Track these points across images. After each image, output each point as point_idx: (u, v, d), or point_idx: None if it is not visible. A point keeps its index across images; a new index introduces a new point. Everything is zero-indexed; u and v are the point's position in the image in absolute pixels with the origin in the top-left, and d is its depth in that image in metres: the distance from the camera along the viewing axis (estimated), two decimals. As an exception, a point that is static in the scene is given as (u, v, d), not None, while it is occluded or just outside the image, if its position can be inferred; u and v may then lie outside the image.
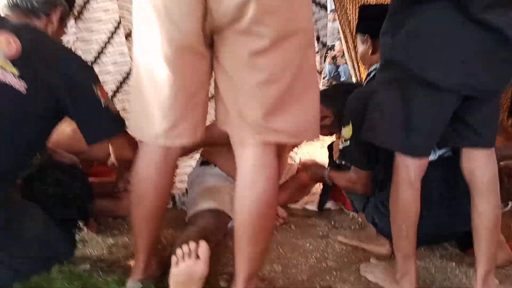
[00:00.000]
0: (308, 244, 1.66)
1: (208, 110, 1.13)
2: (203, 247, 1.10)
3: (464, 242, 1.63)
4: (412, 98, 1.20)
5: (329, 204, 2.11)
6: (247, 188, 1.04)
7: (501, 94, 1.35)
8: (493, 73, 1.19)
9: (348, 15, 2.06)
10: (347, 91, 1.78)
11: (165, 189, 1.15)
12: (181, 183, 2.03)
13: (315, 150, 2.92)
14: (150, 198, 1.13)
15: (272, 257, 1.54)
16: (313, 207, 2.07)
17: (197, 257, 1.10)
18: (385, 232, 1.52)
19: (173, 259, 1.10)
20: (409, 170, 1.26)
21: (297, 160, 2.22)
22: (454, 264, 1.55)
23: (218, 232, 1.52)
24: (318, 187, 2.33)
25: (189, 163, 2.00)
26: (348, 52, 2.35)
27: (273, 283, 1.35)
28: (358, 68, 2.40)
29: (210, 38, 1.00)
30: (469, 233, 1.48)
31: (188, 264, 1.08)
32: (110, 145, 1.35)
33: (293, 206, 2.07)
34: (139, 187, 1.13)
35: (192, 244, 1.10)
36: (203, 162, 1.83)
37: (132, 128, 1.15)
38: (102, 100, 1.24)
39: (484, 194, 1.28)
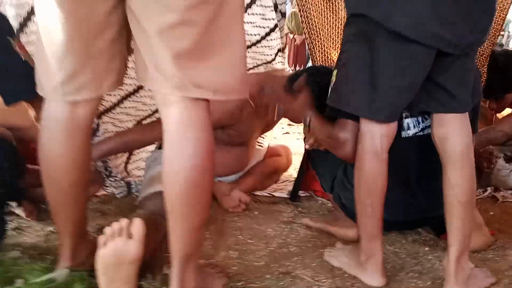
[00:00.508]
0: (270, 230, 1.53)
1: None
2: (137, 225, 0.94)
3: (440, 227, 1.51)
4: (379, 52, 1.08)
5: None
6: (174, 152, 0.89)
7: (477, 48, 1.23)
8: (470, 23, 1.07)
9: None
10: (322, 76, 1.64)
11: (78, 160, 0.98)
12: (137, 169, 1.88)
13: (290, 140, 2.81)
14: (60, 173, 0.96)
15: (229, 243, 1.41)
16: (281, 194, 1.94)
17: (130, 236, 0.95)
18: (353, 214, 1.40)
19: (101, 238, 0.94)
20: (375, 139, 1.14)
21: (265, 146, 2.08)
22: (427, 249, 1.45)
23: None
24: (289, 176, 2.21)
25: (147, 148, 1.85)
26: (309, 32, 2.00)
27: (226, 269, 1.22)
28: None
29: None
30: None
31: (118, 243, 0.92)
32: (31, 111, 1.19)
33: (259, 193, 1.93)
34: (45, 160, 0.97)
35: (124, 221, 0.95)
36: (161, 146, 1.69)
37: (37, 86, 0.97)
38: (22, 54, 1.08)
39: (458, 164, 1.15)
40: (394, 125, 1.16)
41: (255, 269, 1.24)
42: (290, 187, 2.04)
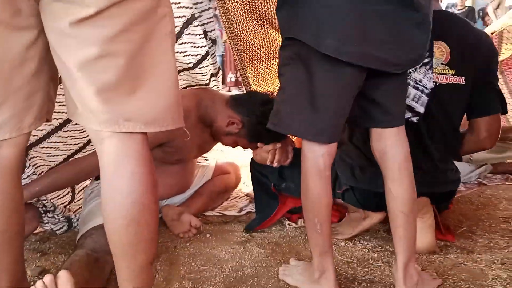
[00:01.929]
0: (224, 253, 1.50)
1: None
2: (63, 278, 0.87)
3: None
4: (315, 75, 1.09)
5: (249, 207, 1.98)
6: (111, 190, 0.85)
7: (415, 65, 1.25)
8: (406, 41, 1.09)
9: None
10: (264, 103, 1.65)
11: (6, 204, 0.90)
12: (75, 205, 1.78)
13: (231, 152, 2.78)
14: None
15: (182, 272, 1.36)
16: (232, 212, 1.93)
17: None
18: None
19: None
20: (317, 158, 1.15)
21: (212, 163, 2.06)
22: (375, 255, 1.49)
23: None
24: (238, 191, 2.20)
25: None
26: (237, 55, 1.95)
27: (180, 302, 1.18)
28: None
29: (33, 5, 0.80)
30: None
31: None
32: None
33: (209, 213, 1.90)
34: None
35: (48, 278, 0.87)
36: (98, 176, 1.61)
37: None
38: None
39: (397, 176, 1.20)
40: (335, 143, 1.19)
41: (211, 298, 1.21)
42: (241, 203, 2.05)
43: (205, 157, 2.09)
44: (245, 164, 2.26)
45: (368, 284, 1.29)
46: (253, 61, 1.90)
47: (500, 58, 2.45)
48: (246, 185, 2.26)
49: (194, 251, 1.53)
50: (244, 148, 1.74)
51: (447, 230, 1.65)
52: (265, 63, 1.95)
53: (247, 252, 1.51)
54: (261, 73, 1.95)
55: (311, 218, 1.17)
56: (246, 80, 1.93)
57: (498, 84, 1.64)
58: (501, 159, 2.52)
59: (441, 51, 1.50)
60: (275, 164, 1.61)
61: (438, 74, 1.50)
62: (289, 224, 1.74)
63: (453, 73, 1.50)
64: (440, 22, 1.35)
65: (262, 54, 1.91)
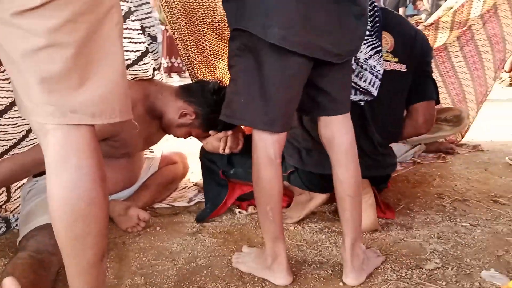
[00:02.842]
0: (175, 245, 1.49)
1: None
2: (8, 285, 0.82)
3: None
4: (264, 64, 1.10)
5: (199, 197, 1.97)
6: (56, 184, 0.81)
7: (352, 56, 1.31)
8: (348, 32, 1.13)
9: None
10: (215, 91, 1.64)
11: None
12: (12, 203, 1.67)
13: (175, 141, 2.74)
14: None
15: (133, 268, 1.33)
16: (182, 203, 1.91)
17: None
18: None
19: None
20: (268, 147, 1.17)
21: (158, 154, 2.01)
22: (323, 236, 1.55)
23: (58, 250, 1.25)
24: (187, 181, 2.18)
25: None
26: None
27: (134, 299, 1.16)
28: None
29: None
30: None
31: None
32: None
33: (158, 205, 1.87)
34: None
35: None
36: (36, 174, 1.51)
37: None
38: None
39: (343, 161, 1.25)
40: (284, 132, 1.21)
41: (165, 292, 1.20)
42: (190, 194, 2.03)
43: (150, 148, 2.04)
44: (192, 153, 2.25)
45: (318, 265, 1.34)
46: (199, 47, 1.87)
47: (437, 45, 2.62)
48: (194, 174, 2.24)
49: (144, 245, 1.50)
50: (197, 137, 1.72)
51: (387, 209, 1.75)
52: (210, 49, 1.92)
53: (199, 243, 1.50)
54: (209, 59, 1.93)
55: (263, 206, 1.19)
56: (191, 68, 1.89)
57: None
58: (433, 139, 2.69)
59: (386, 40, 1.62)
60: (226, 151, 1.62)
61: (383, 61, 1.59)
62: (239, 212, 1.76)
63: (396, 60, 1.60)
64: (385, 17, 1.57)
65: (207, 39, 1.89)
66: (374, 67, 1.49)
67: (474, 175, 2.35)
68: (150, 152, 2.04)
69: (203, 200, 1.90)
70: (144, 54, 1.52)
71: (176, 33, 1.79)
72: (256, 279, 1.25)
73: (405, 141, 2.66)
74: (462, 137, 3.05)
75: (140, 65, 1.55)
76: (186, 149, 2.31)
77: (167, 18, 1.73)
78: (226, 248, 1.46)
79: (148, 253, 1.43)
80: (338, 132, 1.25)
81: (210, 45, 1.93)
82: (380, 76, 1.51)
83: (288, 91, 1.14)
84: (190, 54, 1.86)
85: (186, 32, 1.80)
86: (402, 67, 1.61)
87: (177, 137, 1.72)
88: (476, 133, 3.28)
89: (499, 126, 3.66)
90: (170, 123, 1.64)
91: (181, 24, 1.77)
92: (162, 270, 1.32)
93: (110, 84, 0.84)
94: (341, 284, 1.23)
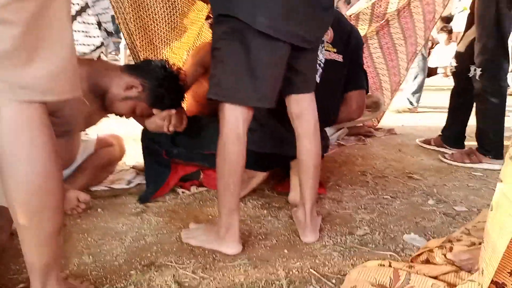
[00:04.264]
0: (121, 225, 1.48)
1: None
2: None
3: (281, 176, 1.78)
4: (251, 46, 1.18)
5: (138, 179, 1.96)
6: (10, 160, 0.81)
7: (319, 43, 1.46)
8: (317, 21, 1.26)
9: None
10: (163, 67, 1.64)
11: None
12: None
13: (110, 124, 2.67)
14: None
15: (80, 248, 1.31)
16: (121, 185, 1.88)
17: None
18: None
19: None
20: (239, 124, 1.24)
21: (94, 136, 1.95)
22: (265, 211, 1.65)
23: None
24: (123, 164, 2.14)
25: None
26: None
27: (84, 277, 1.15)
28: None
29: None
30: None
31: None
32: None
33: (96, 188, 1.83)
34: None
35: None
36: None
37: None
38: None
39: (311, 135, 1.39)
40: (252, 110, 1.28)
41: (117, 268, 1.20)
42: (128, 176, 2.00)
43: (85, 131, 1.97)
44: (127, 137, 2.21)
45: (263, 236, 1.44)
46: (146, 34, 1.84)
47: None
48: (129, 157, 2.20)
49: (88, 226, 1.47)
50: (141, 115, 1.69)
51: (319, 185, 1.90)
52: (159, 36, 1.90)
53: (145, 222, 1.52)
54: (156, 46, 1.91)
55: (226, 180, 1.25)
56: (135, 53, 1.86)
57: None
58: (354, 123, 2.94)
59: (326, 32, 1.75)
60: (171, 129, 1.63)
61: (324, 50, 1.72)
62: (182, 192, 1.79)
63: (335, 51, 1.75)
64: None
65: (157, 26, 1.87)
66: (317, 56, 1.62)
67: (390, 155, 2.62)
68: (85, 134, 1.97)
69: (143, 182, 1.89)
70: (99, 47, 1.49)
71: (120, 17, 1.74)
72: (206, 252, 1.30)
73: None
74: (378, 122, 3.36)
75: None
76: (122, 133, 2.26)
77: (112, 2, 1.68)
78: (174, 225, 1.49)
79: (92, 234, 1.41)
80: (307, 109, 1.39)
81: (160, 33, 1.91)
82: (322, 65, 1.65)
83: (275, 70, 1.25)
84: (135, 39, 1.83)
85: (130, 16, 1.76)
86: (340, 58, 1.76)
87: (120, 114, 1.69)
88: (390, 118, 3.63)
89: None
90: (114, 98, 1.60)
91: (126, 9, 1.72)
92: (110, 249, 1.32)
93: (60, 61, 0.85)
94: (285, 251, 1.33)
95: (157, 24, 1.88)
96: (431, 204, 1.79)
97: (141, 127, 1.82)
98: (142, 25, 1.85)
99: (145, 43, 1.88)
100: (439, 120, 3.56)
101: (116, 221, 1.52)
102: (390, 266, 1.21)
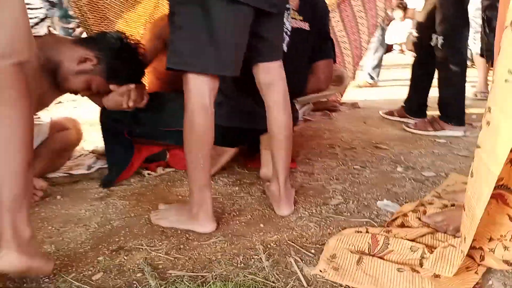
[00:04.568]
0: (83, 212, 1.39)
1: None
2: None
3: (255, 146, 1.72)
4: (212, 11, 1.10)
5: (98, 164, 1.84)
6: None
7: (285, 7, 1.38)
8: None
9: None
10: (119, 38, 1.54)
11: None
12: None
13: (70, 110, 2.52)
14: None
15: (40, 237, 1.21)
16: (81, 170, 1.77)
17: None
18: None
19: None
20: (204, 94, 1.17)
21: (47, 120, 1.81)
22: (237, 188, 1.60)
23: None
24: (81, 150, 2.01)
25: None
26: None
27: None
28: None
29: None
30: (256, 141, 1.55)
31: None
32: None
33: (54, 175, 1.70)
34: None
35: None
36: None
37: None
38: None
39: (282, 105, 1.33)
40: (218, 80, 1.20)
41: (83, 255, 1.11)
42: (87, 161, 1.89)
43: (36, 114, 1.82)
44: (83, 122, 2.08)
45: (237, 213, 1.39)
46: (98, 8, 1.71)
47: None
48: (87, 142, 2.08)
49: (47, 214, 1.37)
50: (98, 91, 1.58)
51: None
52: (111, 7, 1.77)
53: (110, 206, 1.43)
54: (109, 19, 1.77)
55: (194, 154, 1.18)
56: (87, 26, 1.71)
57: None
58: (319, 98, 2.92)
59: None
60: (130, 104, 1.53)
61: (290, 18, 1.65)
62: (148, 174, 1.71)
63: (301, 19, 1.68)
64: None
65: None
66: (284, 23, 1.56)
67: (356, 127, 2.63)
68: (37, 118, 1.83)
69: (105, 166, 1.79)
70: (42, 20, 1.36)
71: None
72: (179, 232, 1.24)
73: (296, 101, 2.84)
74: (342, 96, 3.37)
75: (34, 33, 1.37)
76: (76, 117, 2.12)
77: None
78: (141, 208, 1.41)
79: (53, 222, 1.31)
80: (276, 77, 1.32)
81: (112, 5, 1.78)
82: (289, 33, 1.58)
83: (238, 37, 1.17)
84: (86, 12, 1.69)
85: None
86: (306, 26, 1.71)
87: (75, 92, 1.56)
88: (351, 93, 3.65)
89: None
90: (67, 72, 1.48)
91: None
92: (73, 236, 1.23)
93: (15, 23, 0.82)
94: (261, 225, 1.29)
95: None
96: (400, 171, 1.81)
97: (99, 109, 1.71)
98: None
99: (98, 18, 1.74)
100: (399, 93, 3.63)
101: (78, 207, 1.42)
102: (367, 232, 1.20)
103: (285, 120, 1.34)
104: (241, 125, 1.62)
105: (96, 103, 1.80)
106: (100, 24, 1.78)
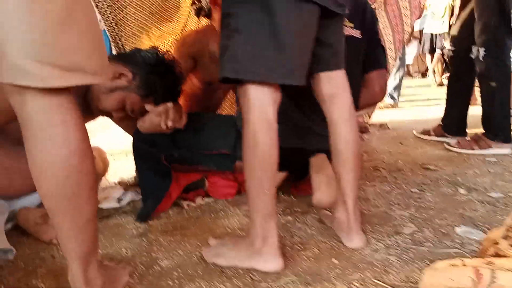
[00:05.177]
0: (124, 250, 1.20)
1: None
2: None
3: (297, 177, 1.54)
4: (275, 9, 0.96)
5: (128, 196, 1.67)
6: (40, 143, 0.74)
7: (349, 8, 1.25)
8: None
9: None
10: (154, 53, 1.41)
11: None
12: None
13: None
14: None
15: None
16: (111, 204, 1.59)
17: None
18: None
19: None
20: (267, 107, 1.01)
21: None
22: (290, 218, 1.42)
23: None
24: (106, 182, 1.84)
25: None
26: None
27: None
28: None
29: None
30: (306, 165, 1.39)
31: None
32: None
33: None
34: None
35: None
36: None
37: None
38: None
39: (348, 120, 1.17)
40: (280, 90, 1.05)
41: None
42: (115, 193, 1.71)
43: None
44: (109, 152, 1.93)
45: (300, 246, 1.20)
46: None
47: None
48: (112, 174, 1.91)
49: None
50: (132, 111, 1.42)
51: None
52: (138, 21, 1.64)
53: (153, 243, 1.24)
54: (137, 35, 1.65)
55: (258, 178, 1.02)
56: (117, 41, 1.58)
57: None
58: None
59: None
60: (169, 124, 1.37)
61: None
62: (187, 205, 1.53)
63: (352, 26, 1.55)
64: None
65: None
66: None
67: (394, 149, 2.47)
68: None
69: (136, 198, 1.62)
70: None
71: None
72: (240, 272, 1.05)
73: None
74: (370, 117, 3.22)
75: None
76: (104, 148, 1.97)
77: None
78: (189, 244, 1.23)
79: (91, 264, 1.12)
80: (341, 88, 1.17)
81: (139, 19, 1.66)
82: None
83: (304, 39, 1.02)
84: (119, 30, 1.55)
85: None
86: (357, 33, 1.57)
87: (107, 113, 1.41)
88: (374, 115, 3.51)
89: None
90: (99, 90, 1.33)
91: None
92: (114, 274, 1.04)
93: (92, 37, 0.77)
94: (334, 261, 1.10)
95: (137, 10, 1.62)
96: (463, 193, 1.63)
97: (119, 136, 1.55)
98: (124, 15, 1.59)
99: (130, 35, 1.61)
100: (423, 113, 3.50)
101: (118, 246, 1.23)
102: (464, 265, 1.02)
103: (353, 136, 1.18)
104: (296, 146, 1.45)
105: (126, 129, 1.65)
106: (130, 40, 1.64)
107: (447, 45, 2.51)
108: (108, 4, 1.49)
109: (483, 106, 2.29)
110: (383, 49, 1.74)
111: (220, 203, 1.58)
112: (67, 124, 0.74)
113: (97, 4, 1.49)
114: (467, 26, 2.29)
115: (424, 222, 1.35)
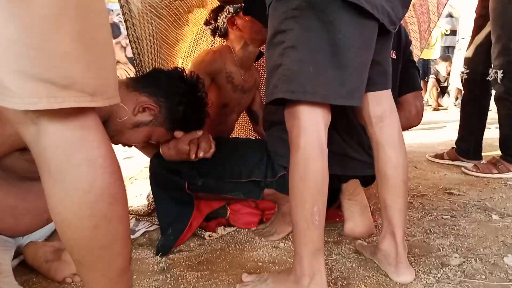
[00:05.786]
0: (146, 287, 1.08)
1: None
2: None
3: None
4: (335, 24, 0.88)
5: (142, 226, 1.55)
6: (62, 188, 0.60)
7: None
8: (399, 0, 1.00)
9: None
10: (180, 78, 1.28)
11: None
12: None
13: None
14: None
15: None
16: (134, 235, 1.46)
17: None
18: None
19: None
20: (321, 132, 0.93)
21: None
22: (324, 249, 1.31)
23: None
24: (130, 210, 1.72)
25: None
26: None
27: None
28: None
29: None
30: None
31: None
32: None
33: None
34: None
35: None
36: None
37: None
38: None
39: (397, 144, 1.08)
40: (330, 114, 0.98)
41: None
42: (140, 227, 1.58)
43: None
44: (141, 176, 1.82)
45: (343, 282, 1.10)
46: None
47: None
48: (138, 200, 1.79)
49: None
50: (158, 142, 1.31)
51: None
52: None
53: (180, 280, 1.12)
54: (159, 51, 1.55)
55: (308, 208, 0.92)
56: (140, 58, 1.46)
57: None
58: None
59: None
60: (200, 155, 1.26)
61: None
62: (209, 236, 1.41)
63: None
64: None
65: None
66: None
67: (410, 173, 2.38)
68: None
69: (150, 229, 1.51)
70: None
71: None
72: (284, 313, 0.94)
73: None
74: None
75: None
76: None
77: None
78: (220, 281, 1.11)
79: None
80: (389, 109, 1.09)
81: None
82: None
83: (365, 57, 0.95)
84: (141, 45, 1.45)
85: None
86: (393, 54, 1.51)
87: (129, 145, 1.30)
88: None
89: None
90: (122, 125, 1.18)
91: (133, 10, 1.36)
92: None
93: (107, 59, 0.64)
94: (385, 298, 1.00)
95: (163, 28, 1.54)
96: (497, 219, 1.54)
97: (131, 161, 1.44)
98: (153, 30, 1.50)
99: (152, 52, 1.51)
100: (430, 136, 3.45)
101: (141, 283, 1.11)
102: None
103: (402, 160, 1.09)
104: (336, 172, 1.34)
105: (146, 153, 1.54)
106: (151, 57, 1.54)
107: (462, 68, 2.47)
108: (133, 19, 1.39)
109: (501, 129, 2.24)
110: (417, 70, 1.68)
111: (242, 233, 1.47)
112: (93, 163, 0.60)
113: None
114: (482, 49, 2.27)
115: (468, 251, 1.26)
